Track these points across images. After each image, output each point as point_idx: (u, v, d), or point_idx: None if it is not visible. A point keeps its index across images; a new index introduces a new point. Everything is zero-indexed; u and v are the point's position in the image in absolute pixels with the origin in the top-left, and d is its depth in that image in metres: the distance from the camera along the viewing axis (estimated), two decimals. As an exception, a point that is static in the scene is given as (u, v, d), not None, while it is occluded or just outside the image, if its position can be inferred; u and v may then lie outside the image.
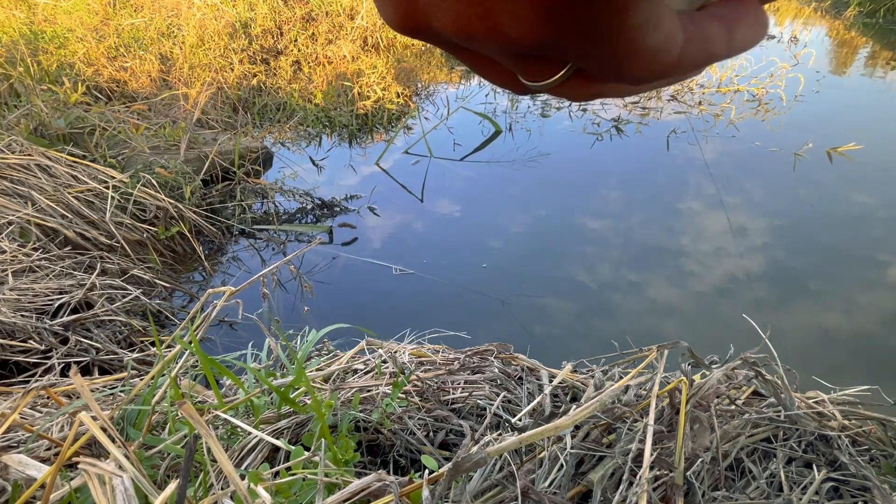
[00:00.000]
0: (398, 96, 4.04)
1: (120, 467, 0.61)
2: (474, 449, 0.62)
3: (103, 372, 1.62)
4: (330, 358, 1.34)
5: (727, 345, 1.09)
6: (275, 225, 2.64)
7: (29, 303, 1.72)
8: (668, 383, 0.86)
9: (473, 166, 3.23)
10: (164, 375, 0.95)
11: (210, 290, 1.07)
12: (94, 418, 0.65)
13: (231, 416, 0.94)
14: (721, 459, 0.83)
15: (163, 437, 0.86)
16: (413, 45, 5.57)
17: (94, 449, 0.83)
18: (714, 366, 0.95)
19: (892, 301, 2.06)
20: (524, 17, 0.16)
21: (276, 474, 0.75)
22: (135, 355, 1.62)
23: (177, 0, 4.59)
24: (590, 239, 2.52)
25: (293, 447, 0.79)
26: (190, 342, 0.90)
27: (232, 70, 4.00)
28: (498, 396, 1.13)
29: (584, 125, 3.73)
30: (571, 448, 0.82)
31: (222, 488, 0.73)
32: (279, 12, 4.87)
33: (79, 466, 0.62)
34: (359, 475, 0.81)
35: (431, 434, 1.06)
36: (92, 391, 1.09)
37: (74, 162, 2.38)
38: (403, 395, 1.12)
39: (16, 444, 0.95)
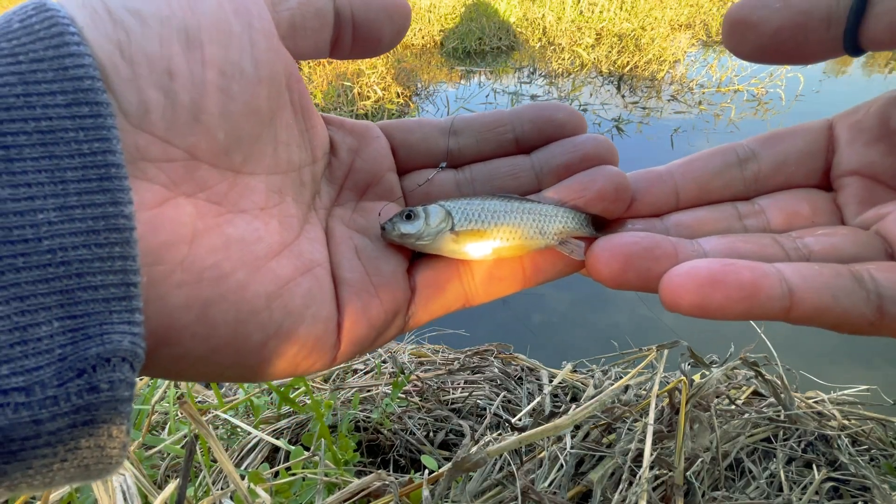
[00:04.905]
0: (398, 96, 4.04)
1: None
2: (474, 449, 0.62)
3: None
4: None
5: (723, 337, 1.09)
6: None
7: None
8: (668, 383, 0.86)
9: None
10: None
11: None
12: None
13: (231, 416, 0.94)
14: (721, 459, 0.83)
15: (162, 436, 0.86)
16: (413, 45, 5.57)
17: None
18: (714, 365, 0.95)
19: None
20: None
21: (276, 474, 0.75)
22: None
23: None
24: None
25: (293, 447, 0.79)
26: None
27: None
28: (498, 396, 1.13)
29: (584, 125, 3.72)
30: (571, 448, 0.82)
31: (222, 488, 0.73)
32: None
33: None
34: (359, 475, 0.81)
35: (431, 434, 1.07)
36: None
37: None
38: (403, 395, 1.12)
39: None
